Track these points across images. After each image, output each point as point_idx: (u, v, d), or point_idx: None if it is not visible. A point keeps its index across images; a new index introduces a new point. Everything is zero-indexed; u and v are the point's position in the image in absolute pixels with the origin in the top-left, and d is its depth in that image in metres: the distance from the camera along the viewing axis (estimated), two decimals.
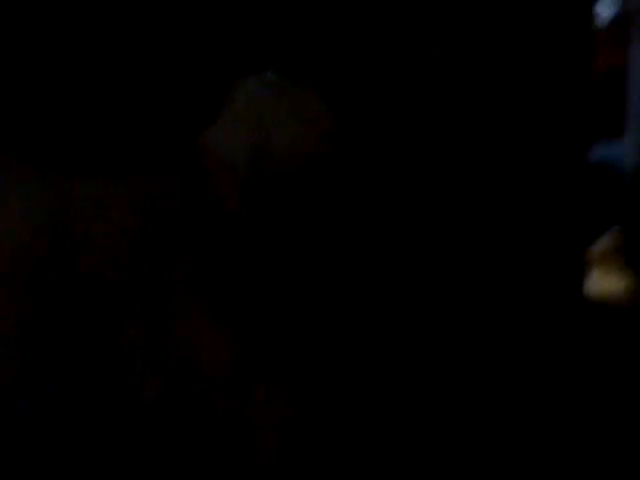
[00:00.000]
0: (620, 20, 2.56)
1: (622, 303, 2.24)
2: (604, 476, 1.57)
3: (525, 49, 2.13)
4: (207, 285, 1.55)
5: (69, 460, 1.57)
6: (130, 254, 1.53)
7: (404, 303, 2.13)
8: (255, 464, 1.55)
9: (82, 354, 1.73)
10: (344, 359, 1.88)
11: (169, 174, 1.55)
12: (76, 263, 1.53)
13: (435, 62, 2.11)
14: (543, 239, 2.19)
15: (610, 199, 2.47)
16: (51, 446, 1.58)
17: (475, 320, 2.05)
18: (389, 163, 2.18)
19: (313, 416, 1.67)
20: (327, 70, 1.83)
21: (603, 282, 2.33)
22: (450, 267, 2.21)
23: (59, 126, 1.69)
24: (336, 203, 1.71)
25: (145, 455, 1.58)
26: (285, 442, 1.58)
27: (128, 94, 1.76)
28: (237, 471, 1.57)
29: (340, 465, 1.61)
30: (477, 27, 2.11)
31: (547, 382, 1.81)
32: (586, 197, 2.20)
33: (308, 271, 1.77)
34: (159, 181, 1.55)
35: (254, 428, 1.57)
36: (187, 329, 1.55)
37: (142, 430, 1.58)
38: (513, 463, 1.57)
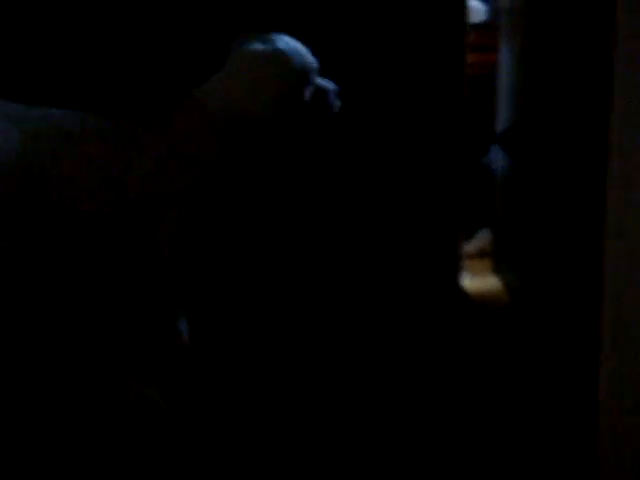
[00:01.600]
0: (489, 25, 2.61)
1: (489, 304, 2.27)
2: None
3: (400, 55, 2.15)
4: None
5: None
6: (100, 186, 1.68)
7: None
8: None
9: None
10: None
11: (150, 120, 1.74)
12: (47, 195, 1.66)
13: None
14: (419, 236, 2.21)
15: (482, 201, 2.51)
16: None
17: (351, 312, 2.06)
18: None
19: None
20: None
21: (471, 283, 2.37)
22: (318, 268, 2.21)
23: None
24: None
25: None
26: None
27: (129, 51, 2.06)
28: None
29: None
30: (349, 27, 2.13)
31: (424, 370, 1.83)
32: (461, 197, 2.23)
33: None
34: (136, 123, 1.73)
35: None
36: None
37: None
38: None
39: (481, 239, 2.63)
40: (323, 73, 1.87)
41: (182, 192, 1.75)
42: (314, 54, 1.83)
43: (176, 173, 1.74)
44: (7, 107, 1.69)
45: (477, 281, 2.38)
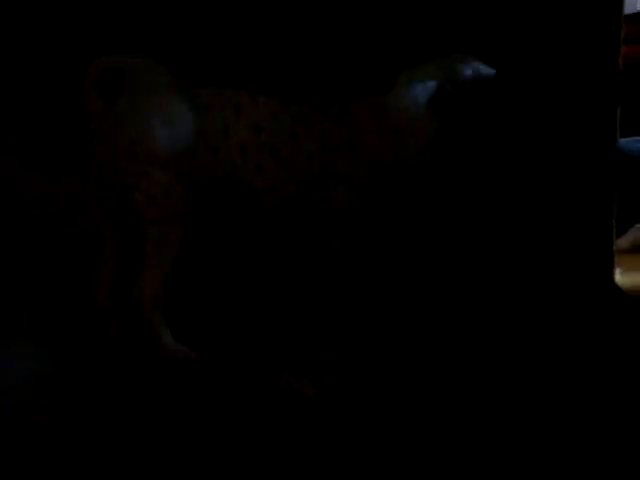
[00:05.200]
0: None
1: None
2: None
3: (553, 47, 2.13)
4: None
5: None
6: (269, 159, 1.77)
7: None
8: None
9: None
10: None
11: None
12: (220, 168, 1.77)
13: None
14: (571, 230, 2.19)
15: (635, 195, 2.46)
16: None
17: (504, 309, 2.05)
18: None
19: None
20: None
21: (624, 279, 2.32)
22: (481, 258, 2.21)
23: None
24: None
25: None
26: None
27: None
28: None
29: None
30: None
31: (578, 369, 1.81)
32: (613, 190, 2.19)
33: None
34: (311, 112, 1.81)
35: None
36: None
37: None
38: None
39: (634, 234, 2.58)
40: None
41: (350, 179, 1.80)
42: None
43: (344, 160, 1.80)
44: (178, 82, 1.78)
45: (630, 277, 2.34)
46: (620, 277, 2.30)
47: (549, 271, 2.17)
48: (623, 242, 2.52)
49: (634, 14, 2.58)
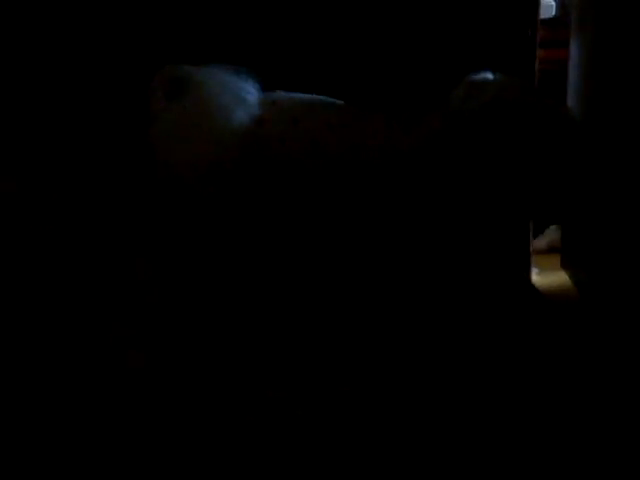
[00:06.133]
0: (559, 21, 2.61)
1: (558, 299, 2.26)
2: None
3: (470, 50, 2.16)
4: None
5: None
6: (325, 169, 1.77)
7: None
8: None
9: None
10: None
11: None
12: (274, 176, 1.77)
13: None
14: (489, 231, 2.21)
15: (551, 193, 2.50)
16: None
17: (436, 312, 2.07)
18: None
19: None
20: None
21: (540, 279, 2.36)
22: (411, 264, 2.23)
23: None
24: None
25: None
26: None
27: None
28: None
29: None
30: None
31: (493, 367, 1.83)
32: (530, 192, 2.22)
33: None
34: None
35: None
36: None
37: None
38: None
39: (550, 235, 2.62)
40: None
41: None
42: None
43: (402, 166, 1.80)
44: (240, 89, 1.82)
45: (546, 276, 2.38)
46: (537, 277, 2.34)
47: (467, 271, 2.19)
48: (540, 243, 2.56)
49: (550, 19, 2.62)
